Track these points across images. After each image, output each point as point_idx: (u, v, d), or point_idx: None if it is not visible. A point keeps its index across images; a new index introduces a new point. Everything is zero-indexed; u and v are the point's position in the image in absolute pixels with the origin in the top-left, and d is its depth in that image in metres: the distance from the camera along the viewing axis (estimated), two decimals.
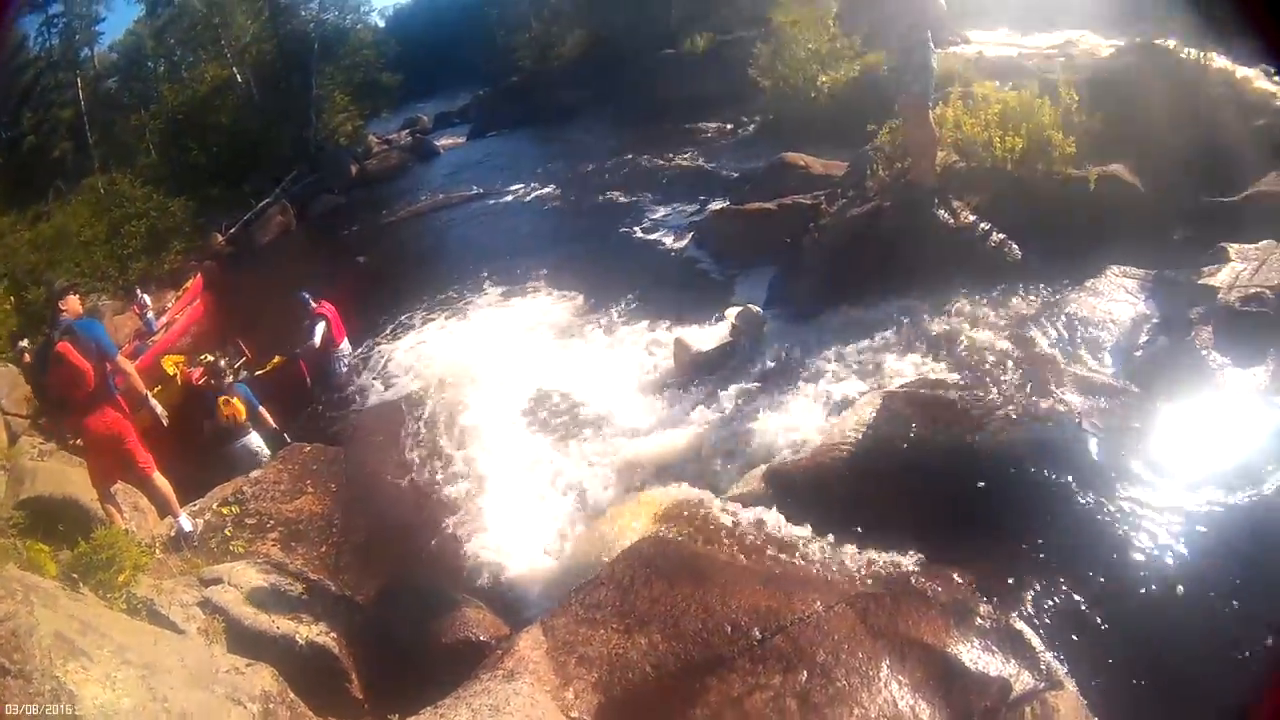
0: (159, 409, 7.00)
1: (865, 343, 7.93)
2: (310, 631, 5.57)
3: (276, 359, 10.42)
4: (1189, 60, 10.35)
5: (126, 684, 3.61)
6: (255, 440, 8.93)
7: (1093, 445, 5.93)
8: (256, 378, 10.25)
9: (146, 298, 14.14)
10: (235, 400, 8.92)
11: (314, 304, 10.49)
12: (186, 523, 6.89)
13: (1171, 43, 10.68)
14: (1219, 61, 10.63)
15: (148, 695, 3.61)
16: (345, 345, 10.70)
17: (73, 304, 6.70)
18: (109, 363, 6.57)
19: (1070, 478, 5.67)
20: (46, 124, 24.90)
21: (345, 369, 10.77)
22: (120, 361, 6.74)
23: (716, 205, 14.16)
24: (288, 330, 11.04)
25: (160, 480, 6.80)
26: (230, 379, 9.26)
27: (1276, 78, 10.54)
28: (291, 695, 4.49)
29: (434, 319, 12.73)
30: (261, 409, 9.14)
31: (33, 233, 16.84)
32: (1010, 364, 6.99)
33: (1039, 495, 5.58)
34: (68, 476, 7.13)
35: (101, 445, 6.68)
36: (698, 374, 8.80)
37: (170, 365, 10.38)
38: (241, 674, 4.30)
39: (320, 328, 10.25)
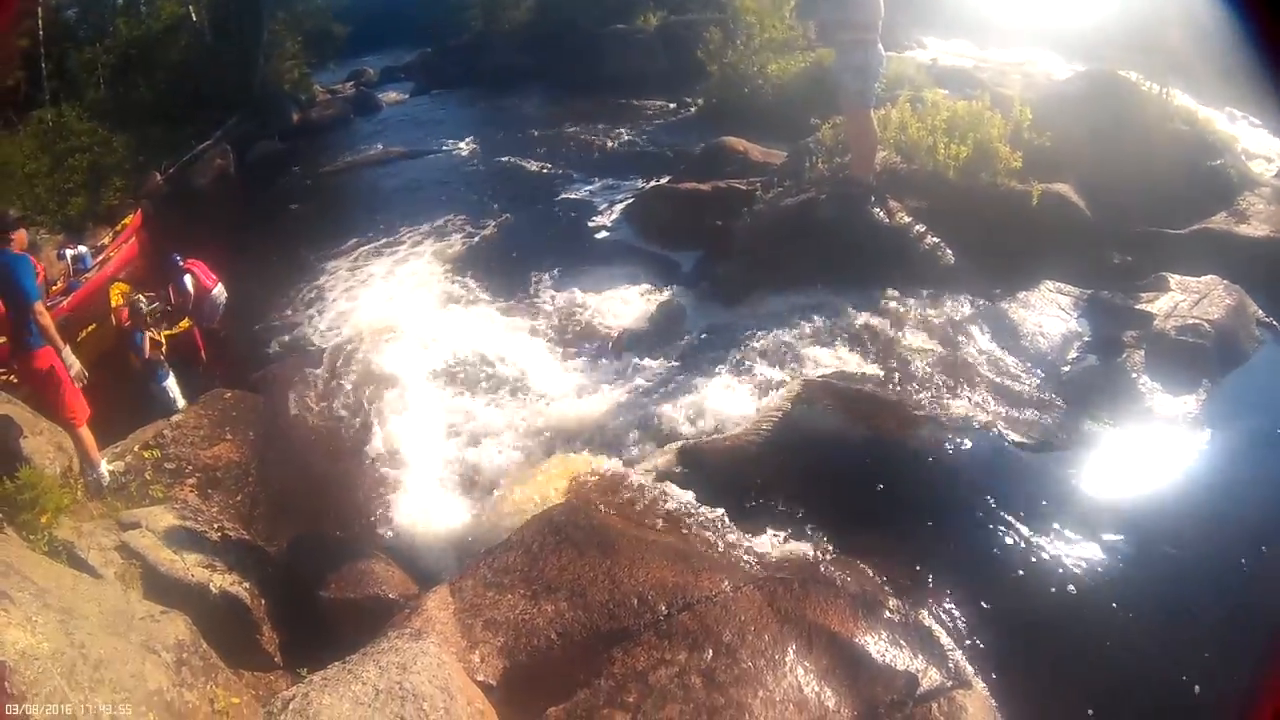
0: (74, 365, 6.77)
1: (789, 330, 7.91)
2: (224, 581, 5.55)
3: (184, 322, 10.25)
4: (1150, 93, 10.55)
5: (46, 629, 3.57)
6: (172, 384, 8.83)
7: (1011, 453, 6.09)
8: (165, 336, 10.08)
9: (70, 251, 13.76)
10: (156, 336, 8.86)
11: (182, 262, 10.46)
12: (105, 473, 6.76)
13: (1134, 75, 10.85)
14: (1181, 99, 10.84)
15: (66, 641, 3.58)
16: (219, 289, 10.63)
17: (20, 238, 6.51)
18: (25, 307, 6.42)
19: (986, 482, 5.82)
20: (2, 52, 24.13)
21: (220, 310, 10.72)
22: (36, 309, 6.53)
23: (651, 183, 14.06)
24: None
25: (85, 432, 6.64)
26: (147, 321, 9.10)
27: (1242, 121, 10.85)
28: (204, 645, 4.45)
29: (360, 272, 12.51)
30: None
31: None
32: (934, 365, 7.08)
33: (953, 496, 5.71)
34: None
35: (32, 383, 6.63)
36: (617, 348, 8.80)
37: (116, 296, 10.11)
38: (156, 622, 4.27)
39: (188, 279, 10.21)
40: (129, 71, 23.86)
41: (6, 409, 6.81)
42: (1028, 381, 7.09)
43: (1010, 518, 5.52)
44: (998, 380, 6.94)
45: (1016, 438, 6.21)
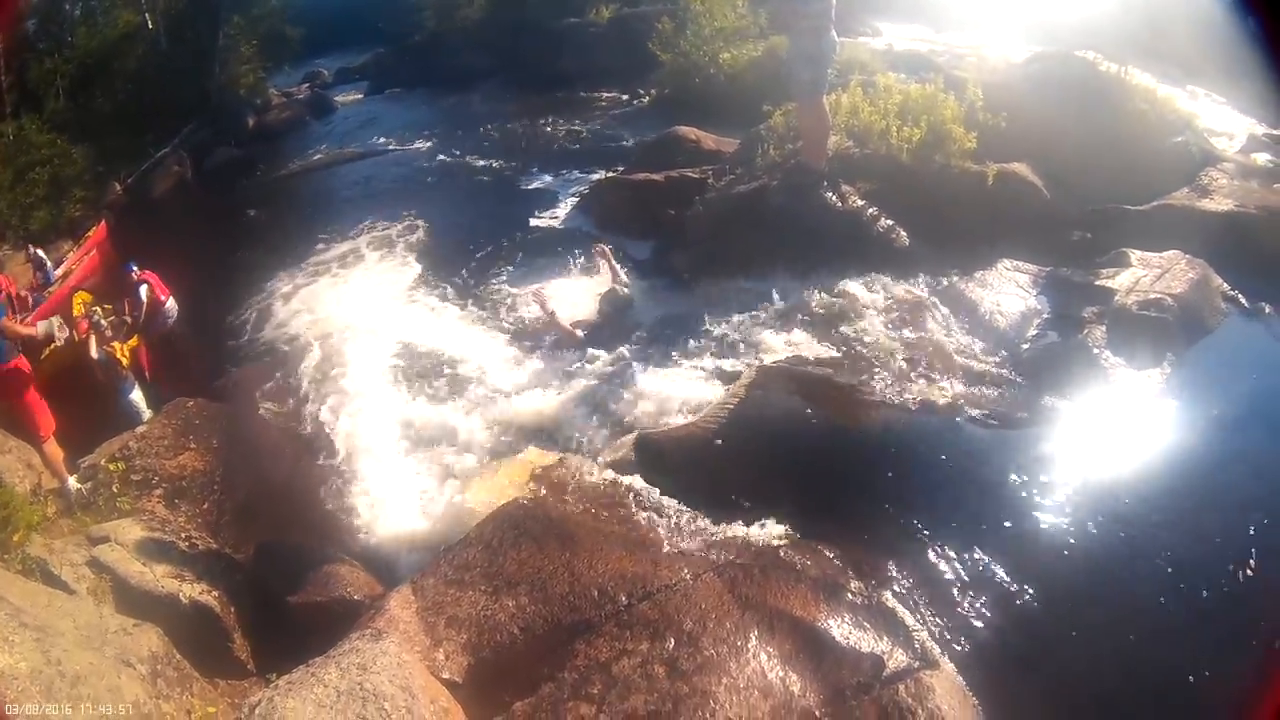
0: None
1: (744, 317, 7.96)
2: (193, 590, 5.57)
3: (134, 340, 10.22)
4: (1109, 73, 10.60)
5: (23, 647, 3.62)
6: (137, 396, 8.83)
7: (972, 432, 6.10)
8: (126, 349, 10.06)
9: (40, 252, 13.71)
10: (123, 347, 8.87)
11: (137, 273, 10.43)
12: (73, 488, 6.75)
13: (1092, 55, 10.91)
14: (1140, 77, 10.89)
15: (43, 659, 3.63)
16: (170, 302, 10.61)
17: None
18: None
19: (947, 462, 5.85)
20: None
21: (171, 323, 10.69)
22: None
23: (604, 174, 14.07)
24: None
25: (51, 447, 6.67)
26: (108, 335, 9.09)
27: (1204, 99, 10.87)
28: (178, 656, 4.51)
29: (316, 275, 12.49)
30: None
31: None
32: (891, 347, 7.08)
33: (914, 478, 5.73)
34: None
35: (3, 396, 6.63)
36: (572, 341, 8.79)
37: (78, 306, 10.06)
38: (129, 635, 4.32)
39: (143, 290, 10.19)
40: (88, 81, 23.69)
41: None
42: (987, 360, 7.09)
43: (972, 497, 5.55)
44: (957, 360, 6.94)
45: (977, 417, 6.23)
